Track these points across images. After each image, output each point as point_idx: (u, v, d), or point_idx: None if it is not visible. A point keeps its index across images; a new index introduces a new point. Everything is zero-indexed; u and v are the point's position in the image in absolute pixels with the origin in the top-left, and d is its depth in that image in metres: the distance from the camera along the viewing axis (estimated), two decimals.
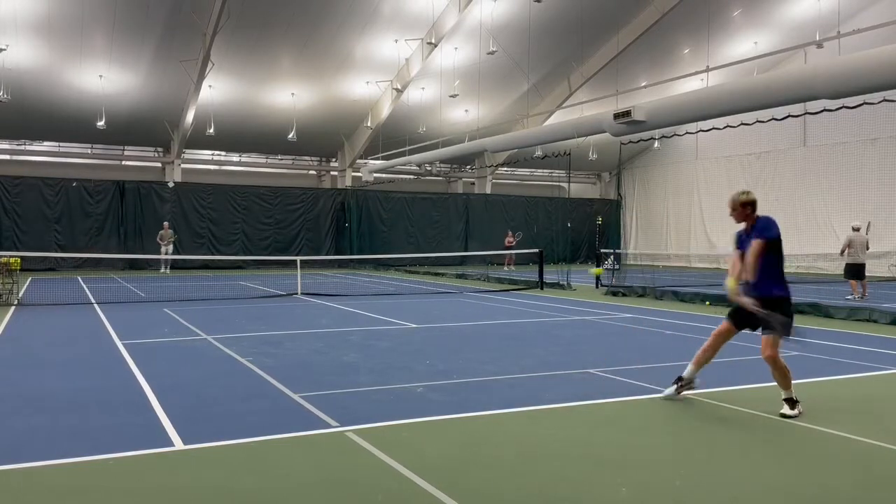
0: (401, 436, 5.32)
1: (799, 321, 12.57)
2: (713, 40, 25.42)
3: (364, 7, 22.86)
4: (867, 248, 17.26)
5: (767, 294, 6.05)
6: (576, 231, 33.42)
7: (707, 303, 15.59)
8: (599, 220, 29.55)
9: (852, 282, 16.83)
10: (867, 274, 17.17)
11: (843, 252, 17.03)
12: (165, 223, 27.34)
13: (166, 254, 26.18)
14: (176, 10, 21.52)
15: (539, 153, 28.34)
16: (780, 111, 14.02)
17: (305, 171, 35.00)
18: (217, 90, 26.09)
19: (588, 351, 9.55)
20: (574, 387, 7.08)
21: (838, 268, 24.89)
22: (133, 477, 4.42)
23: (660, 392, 6.78)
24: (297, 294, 17.31)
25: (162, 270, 26.69)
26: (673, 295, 16.83)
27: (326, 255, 30.51)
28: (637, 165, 37.02)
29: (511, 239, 30.52)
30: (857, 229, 17.18)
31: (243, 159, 33.48)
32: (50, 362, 8.31)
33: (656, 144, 33.96)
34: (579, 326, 12.13)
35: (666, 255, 34.39)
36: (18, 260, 15.12)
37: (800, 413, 5.91)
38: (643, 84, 24.90)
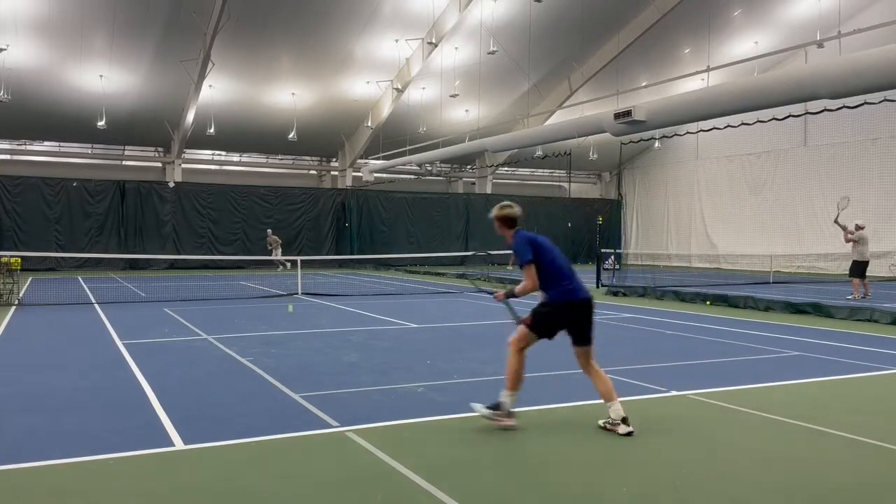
0: (401, 436, 5.31)
1: (800, 321, 12.67)
2: (713, 40, 25.41)
3: (364, 7, 22.86)
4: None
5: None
6: (576, 231, 33.42)
7: (707, 302, 15.59)
8: (600, 220, 29.58)
9: (856, 281, 16.75)
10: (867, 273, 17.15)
11: (848, 239, 16.74)
12: (269, 230, 28.72)
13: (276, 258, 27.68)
14: (176, 10, 21.53)
15: (539, 153, 28.35)
16: (780, 111, 14.01)
17: (306, 171, 35.01)
18: (217, 90, 26.10)
19: None
20: (574, 387, 7.07)
21: (839, 268, 24.97)
22: (133, 477, 4.41)
23: (661, 392, 6.78)
24: (297, 294, 17.31)
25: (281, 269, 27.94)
26: (673, 295, 16.82)
27: (327, 254, 30.51)
28: (637, 165, 37.02)
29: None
30: (862, 227, 17.13)
31: (243, 159, 33.49)
32: (50, 362, 8.31)
33: (657, 144, 33.96)
34: None
35: (666, 255, 34.39)
36: (19, 260, 15.12)
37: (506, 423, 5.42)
38: (643, 84, 24.91)
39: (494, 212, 5.84)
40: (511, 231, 5.77)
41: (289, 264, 27.66)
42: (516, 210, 5.81)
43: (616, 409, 5.42)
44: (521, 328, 5.61)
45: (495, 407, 5.48)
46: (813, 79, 11.52)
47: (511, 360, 5.56)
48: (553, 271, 5.59)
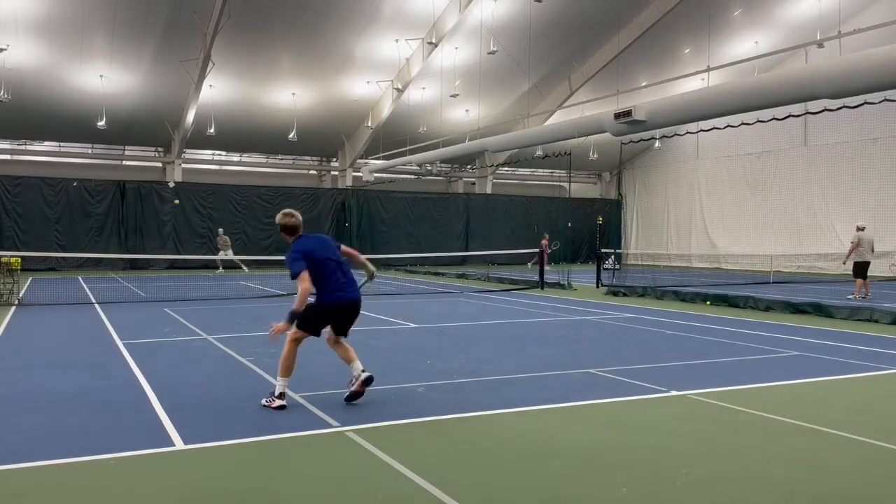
0: (401, 436, 5.32)
1: (800, 321, 12.67)
2: (714, 40, 25.41)
3: (364, 7, 22.85)
4: (873, 248, 17.26)
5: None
6: (576, 231, 33.41)
7: (708, 302, 15.59)
8: (600, 220, 29.57)
9: (858, 281, 16.84)
10: (868, 273, 17.18)
11: (851, 252, 17.02)
12: (221, 230, 27.93)
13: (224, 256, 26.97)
14: (176, 10, 21.52)
15: (540, 153, 28.31)
16: (780, 111, 14.00)
17: (306, 171, 35.00)
18: (217, 90, 26.09)
19: (588, 351, 9.54)
20: (574, 387, 7.08)
21: (839, 268, 24.96)
22: (133, 477, 4.42)
23: (661, 392, 6.78)
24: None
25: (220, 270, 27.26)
26: (673, 295, 16.82)
27: None
28: (638, 165, 37.01)
29: (546, 242, 30.95)
30: (862, 228, 17.24)
31: (244, 159, 33.48)
32: (50, 362, 8.31)
33: (657, 144, 33.95)
34: (579, 326, 12.12)
35: (666, 255, 34.38)
36: (19, 260, 15.12)
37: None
38: (644, 84, 24.90)
39: (278, 218, 6.39)
40: (291, 238, 6.31)
41: (221, 268, 27.33)
42: (296, 219, 6.35)
43: (356, 366, 6.27)
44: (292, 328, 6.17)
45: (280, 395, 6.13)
46: (813, 79, 11.51)
47: (287, 351, 6.18)
48: (322, 279, 6.17)
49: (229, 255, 26.64)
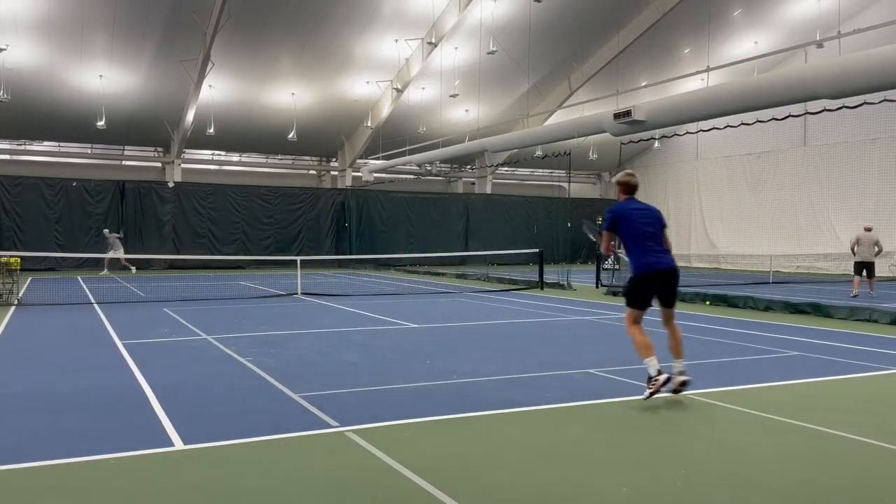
0: (401, 436, 5.31)
1: (800, 321, 12.69)
2: (713, 40, 25.41)
3: (364, 7, 22.86)
4: (876, 247, 17.28)
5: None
6: (576, 231, 33.39)
7: (707, 302, 15.59)
8: (600, 220, 29.54)
9: (856, 279, 17.07)
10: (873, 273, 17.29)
11: (852, 249, 17.42)
12: (106, 230, 25.99)
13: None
14: (176, 9, 21.52)
15: (539, 153, 28.35)
16: (780, 111, 14.02)
17: (305, 171, 35.01)
18: (217, 90, 26.10)
19: (588, 351, 9.54)
20: (574, 387, 7.08)
21: (839, 268, 25.01)
22: (133, 477, 4.41)
23: (661, 392, 6.78)
24: (297, 294, 17.31)
25: (104, 272, 25.32)
26: None
27: (326, 254, 30.51)
28: (637, 165, 36.99)
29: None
30: (869, 229, 17.43)
31: (243, 159, 33.49)
32: (50, 362, 8.31)
33: (657, 144, 33.95)
34: (579, 326, 12.13)
35: None
36: (18, 260, 15.12)
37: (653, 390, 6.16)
38: (643, 84, 24.90)
39: (619, 175, 6.74)
40: (623, 197, 6.63)
41: (107, 270, 25.35)
42: (634, 180, 6.66)
43: (675, 366, 6.32)
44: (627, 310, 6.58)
45: (648, 379, 6.25)
46: (813, 79, 11.53)
47: (632, 335, 6.45)
48: (631, 245, 6.45)
49: (119, 254, 24.56)
